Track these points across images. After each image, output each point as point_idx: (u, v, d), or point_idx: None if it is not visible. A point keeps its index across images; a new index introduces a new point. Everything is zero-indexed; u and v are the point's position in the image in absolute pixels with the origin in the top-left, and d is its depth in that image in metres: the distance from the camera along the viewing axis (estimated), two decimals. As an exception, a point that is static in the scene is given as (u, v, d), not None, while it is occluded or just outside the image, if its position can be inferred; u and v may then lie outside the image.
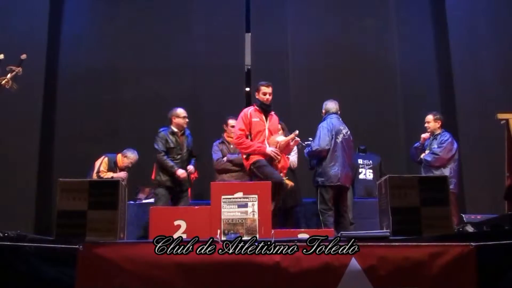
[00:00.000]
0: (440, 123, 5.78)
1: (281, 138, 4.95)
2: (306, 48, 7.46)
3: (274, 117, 5.09)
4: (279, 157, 4.83)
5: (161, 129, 5.69)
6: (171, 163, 5.53)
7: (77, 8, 7.64)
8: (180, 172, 5.54)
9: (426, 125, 5.82)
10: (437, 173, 5.50)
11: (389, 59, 7.55)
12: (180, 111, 5.73)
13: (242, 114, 5.00)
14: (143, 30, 7.61)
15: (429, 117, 5.82)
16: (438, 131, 5.76)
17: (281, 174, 4.92)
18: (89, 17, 7.68)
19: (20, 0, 6.92)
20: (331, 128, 5.37)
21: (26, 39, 6.64)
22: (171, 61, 7.55)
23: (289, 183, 4.98)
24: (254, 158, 4.80)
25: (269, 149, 4.80)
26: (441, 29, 7.20)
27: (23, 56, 4.05)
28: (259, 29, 7.61)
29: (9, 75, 3.91)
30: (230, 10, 7.67)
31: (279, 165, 4.91)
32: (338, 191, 5.34)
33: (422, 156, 5.72)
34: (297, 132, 4.87)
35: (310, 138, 5.49)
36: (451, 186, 5.16)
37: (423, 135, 5.84)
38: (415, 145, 5.94)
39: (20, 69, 3.98)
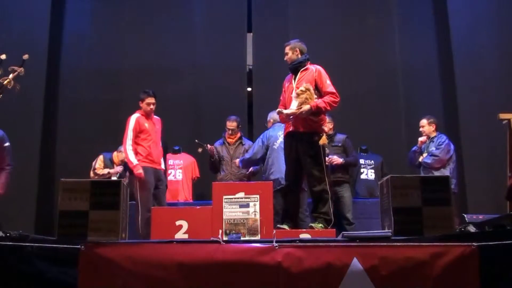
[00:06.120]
0: (434, 127, 5.80)
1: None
2: (307, 48, 7.43)
3: None
4: None
5: None
6: None
7: (78, 9, 7.65)
8: None
9: (420, 129, 5.84)
10: (437, 174, 5.50)
11: (391, 59, 7.53)
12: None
13: None
14: (144, 30, 7.61)
15: (423, 122, 5.84)
16: (434, 134, 5.79)
17: None
18: (90, 18, 7.68)
19: (22, 0, 6.92)
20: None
21: (27, 39, 6.65)
22: (173, 61, 7.55)
23: None
24: None
25: None
26: (443, 29, 7.19)
27: (25, 57, 4.04)
28: (260, 29, 7.60)
29: (11, 75, 3.90)
30: (231, 10, 7.66)
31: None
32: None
33: (420, 159, 5.73)
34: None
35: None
36: (452, 186, 5.14)
37: (421, 139, 5.86)
38: (413, 149, 5.95)
39: (22, 69, 3.97)
